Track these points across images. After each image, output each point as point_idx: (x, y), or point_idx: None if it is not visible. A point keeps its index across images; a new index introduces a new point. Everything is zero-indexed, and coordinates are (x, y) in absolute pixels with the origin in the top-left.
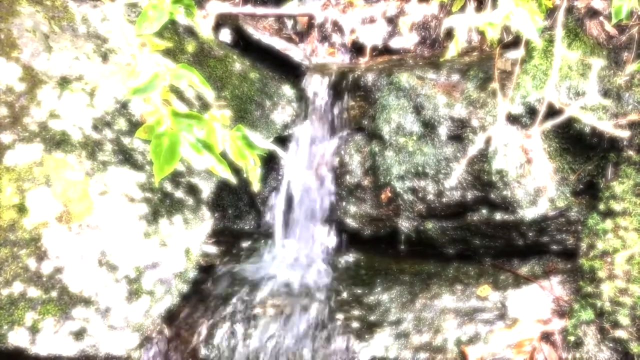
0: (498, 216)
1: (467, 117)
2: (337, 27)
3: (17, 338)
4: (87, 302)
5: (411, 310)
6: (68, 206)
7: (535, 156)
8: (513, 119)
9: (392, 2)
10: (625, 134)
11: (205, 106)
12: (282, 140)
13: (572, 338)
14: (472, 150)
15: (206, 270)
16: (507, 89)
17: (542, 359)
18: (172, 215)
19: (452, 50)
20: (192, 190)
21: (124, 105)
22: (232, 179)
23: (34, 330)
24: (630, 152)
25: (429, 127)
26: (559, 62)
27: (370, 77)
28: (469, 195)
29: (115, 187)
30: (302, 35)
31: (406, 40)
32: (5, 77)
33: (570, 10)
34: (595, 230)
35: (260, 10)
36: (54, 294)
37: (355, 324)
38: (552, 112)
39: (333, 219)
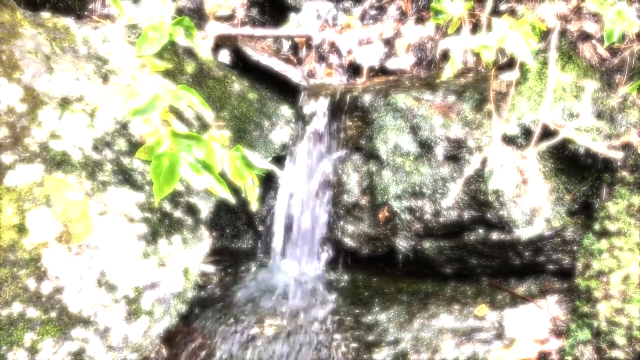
0: (495, 236)
1: (463, 138)
2: (335, 48)
3: (16, 359)
4: (86, 322)
5: (409, 330)
6: (68, 226)
7: (530, 176)
8: (509, 140)
9: (389, 23)
10: (618, 155)
11: (204, 126)
12: (281, 160)
13: (569, 358)
14: (469, 170)
15: (204, 289)
16: (503, 110)
17: None
18: (171, 235)
19: (448, 71)
20: (191, 210)
21: (124, 126)
22: (231, 199)
23: (32, 351)
24: (624, 173)
25: (425, 147)
26: (553, 84)
27: (367, 98)
28: (466, 215)
29: (114, 207)
30: (300, 56)
31: (402, 61)
32: (7, 97)
33: (563, 33)
34: (591, 250)
35: (258, 31)
36: (53, 314)
37: (353, 344)
38: (547, 133)
39: (331, 238)
